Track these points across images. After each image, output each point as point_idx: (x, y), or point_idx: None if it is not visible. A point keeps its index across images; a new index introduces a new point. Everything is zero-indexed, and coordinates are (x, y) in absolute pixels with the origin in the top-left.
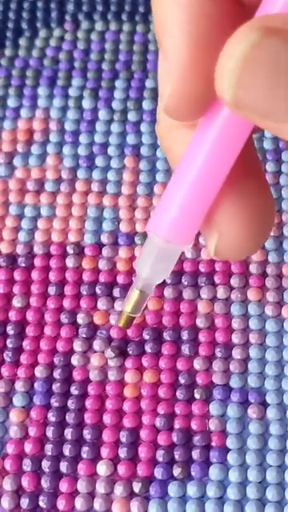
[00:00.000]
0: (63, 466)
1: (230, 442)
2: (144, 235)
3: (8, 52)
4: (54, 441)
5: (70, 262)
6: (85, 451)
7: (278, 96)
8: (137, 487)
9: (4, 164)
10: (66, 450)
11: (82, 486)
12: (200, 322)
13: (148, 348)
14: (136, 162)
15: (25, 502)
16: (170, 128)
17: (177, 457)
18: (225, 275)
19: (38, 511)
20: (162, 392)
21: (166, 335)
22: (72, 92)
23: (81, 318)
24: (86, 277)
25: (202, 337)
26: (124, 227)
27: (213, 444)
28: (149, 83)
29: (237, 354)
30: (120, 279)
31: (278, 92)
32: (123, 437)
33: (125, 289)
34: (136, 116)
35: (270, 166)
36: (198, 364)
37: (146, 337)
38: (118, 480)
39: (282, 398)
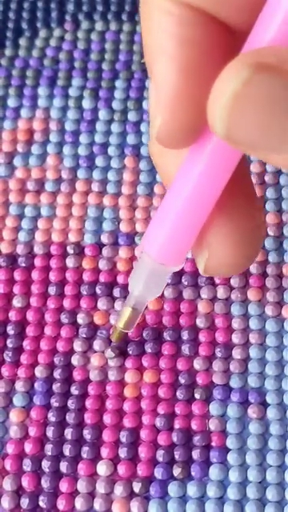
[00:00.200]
0: (63, 466)
1: (230, 442)
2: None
3: (8, 52)
4: (54, 441)
5: (70, 262)
6: (85, 451)
7: (271, 131)
8: (137, 487)
9: (4, 164)
10: (66, 450)
11: (82, 485)
12: (200, 322)
13: (148, 348)
14: (136, 161)
15: (25, 502)
16: (162, 148)
17: (177, 457)
18: None
19: (38, 511)
20: (162, 392)
21: (166, 335)
22: (72, 92)
23: (81, 318)
24: (86, 277)
25: (202, 337)
26: (124, 227)
27: (213, 444)
28: (149, 83)
29: (237, 354)
30: (120, 279)
31: (270, 128)
32: (123, 437)
33: (125, 289)
34: (136, 116)
35: (270, 166)
36: (198, 364)
37: (146, 337)
38: (118, 480)
39: (282, 398)
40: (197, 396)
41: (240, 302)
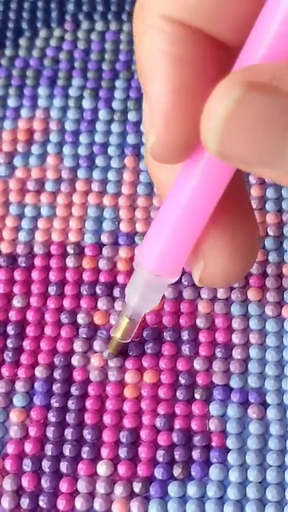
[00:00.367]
0: (63, 466)
1: (230, 442)
2: (144, 235)
3: (8, 52)
4: (54, 441)
5: (70, 262)
6: (85, 451)
7: (264, 149)
8: (137, 487)
9: (4, 164)
10: (66, 450)
11: (82, 486)
12: (200, 322)
13: (148, 348)
14: (136, 161)
15: (25, 502)
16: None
17: (177, 457)
18: None
19: (38, 511)
20: (162, 392)
21: (166, 335)
22: (72, 92)
23: (81, 318)
24: (86, 277)
25: (202, 337)
26: (124, 227)
27: (213, 444)
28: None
29: (237, 354)
30: (120, 279)
31: (263, 146)
32: (123, 437)
33: (125, 289)
34: (136, 116)
35: None
36: (198, 364)
37: (146, 337)
38: (118, 480)
39: (282, 398)
40: (197, 396)
41: (240, 302)
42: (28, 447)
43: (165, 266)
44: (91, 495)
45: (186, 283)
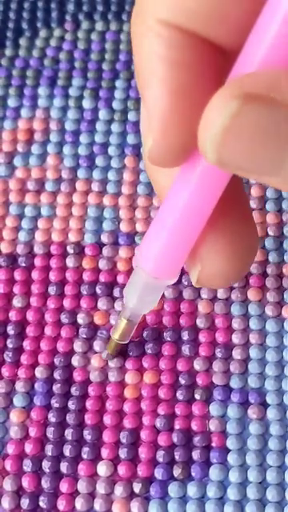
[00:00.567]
0: (63, 467)
1: (230, 443)
2: (144, 235)
3: (8, 52)
4: (54, 441)
5: (70, 262)
6: (85, 452)
7: (261, 158)
8: (137, 488)
9: (4, 164)
10: (67, 451)
11: (82, 486)
12: (200, 322)
13: (148, 349)
14: (136, 161)
15: (25, 503)
16: None
17: (177, 457)
18: None
19: (39, 511)
20: (162, 393)
21: (166, 335)
22: (72, 92)
23: (81, 318)
24: (86, 276)
25: (202, 337)
26: (124, 227)
27: (213, 444)
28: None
29: (237, 354)
30: (120, 279)
31: (260, 155)
32: (123, 437)
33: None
34: (136, 116)
35: None
36: (198, 364)
37: (146, 337)
38: (118, 480)
39: (282, 399)
40: (197, 397)
41: (240, 302)
42: (28, 447)
43: (163, 268)
44: (91, 495)
45: (185, 283)
